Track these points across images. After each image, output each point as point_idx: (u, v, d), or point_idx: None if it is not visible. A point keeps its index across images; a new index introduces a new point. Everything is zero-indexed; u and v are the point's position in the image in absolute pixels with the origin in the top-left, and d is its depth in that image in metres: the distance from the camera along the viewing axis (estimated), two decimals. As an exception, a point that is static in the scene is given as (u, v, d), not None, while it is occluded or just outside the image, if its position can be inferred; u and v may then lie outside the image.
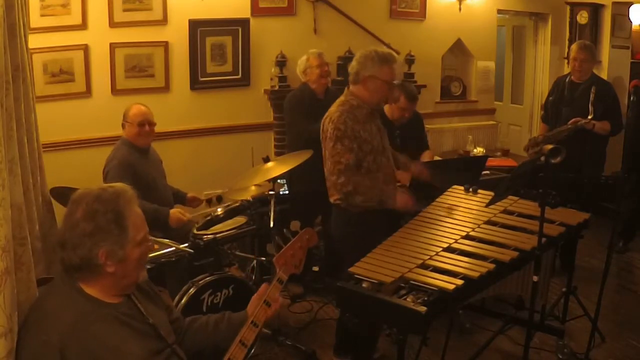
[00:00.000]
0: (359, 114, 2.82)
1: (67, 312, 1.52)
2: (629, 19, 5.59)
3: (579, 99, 4.08)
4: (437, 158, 4.47)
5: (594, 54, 4.21)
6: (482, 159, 4.01)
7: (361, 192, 2.77)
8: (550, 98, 4.43)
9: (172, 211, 3.32)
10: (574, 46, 4.26)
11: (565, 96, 4.23)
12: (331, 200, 2.94)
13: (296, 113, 3.96)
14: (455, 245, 2.41)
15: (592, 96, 3.97)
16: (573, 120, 4.00)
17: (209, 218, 3.41)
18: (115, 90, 4.42)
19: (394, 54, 2.97)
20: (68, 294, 1.57)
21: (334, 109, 2.89)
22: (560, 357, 3.08)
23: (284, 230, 3.88)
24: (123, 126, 3.44)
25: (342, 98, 2.94)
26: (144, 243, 1.66)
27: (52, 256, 2.12)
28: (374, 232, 2.70)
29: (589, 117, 3.94)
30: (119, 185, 1.67)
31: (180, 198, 3.72)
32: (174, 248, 2.97)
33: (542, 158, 2.28)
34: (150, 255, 2.83)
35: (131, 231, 1.60)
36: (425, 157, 4.13)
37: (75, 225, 1.56)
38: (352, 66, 2.91)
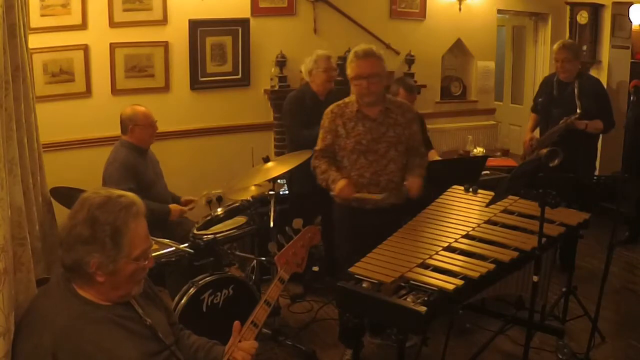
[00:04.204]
0: (347, 111, 3.00)
1: (60, 314, 1.51)
2: (629, 19, 5.59)
3: (569, 98, 3.99)
4: (437, 158, 4.47)
5: (575, 52, 4.06)
6: (482, 159, 4.01)
7: (317, 173, 3.05)
8: (540, 99, 4.35)
9: (171, 205, 3.48)
10: (554, 46, 4.15)
11: (555, 97, 4.15)
12: None
13: (295, 116, 3.96)
14: (456, 245, 2.41)
15: (576, 90, 3.91)
16: (564, 119, 3.95)
17: (209, 218, 3.41)
18: (115, 90, 4.42)
19: (355, 49, 2.98)
20: (62, 296, 1.56)
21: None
22: (560, 357, 3.08)
23: (286, 228, 3.87)
24: (131, 131, 3.41)
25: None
26: (142, 260, 1.60)
27: (52, 256, 2.12)
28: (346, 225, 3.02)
29: (578, 111, 3.88)
30: (129, 196, 1.62)
31: (175, 202, 3.72)
32: (174, 248, 2.97)
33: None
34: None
35: (126, 248, 1.55)
36: (430, 157, 4.14)
37: (74, 227, 1.54)
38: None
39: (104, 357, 1.50)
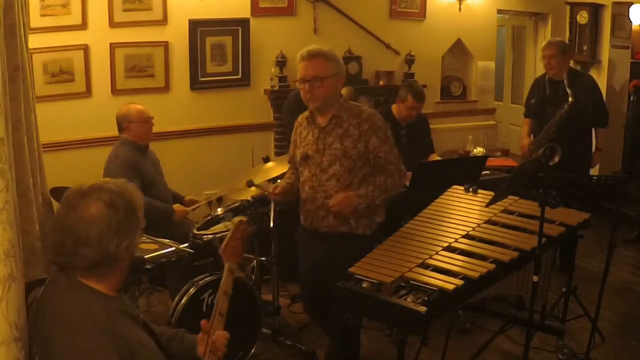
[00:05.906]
0: (305, 119, 2.80)
1: (92, 311, 1.47)
2: (629, 19, 5.59)
3: (562, 95, 3.98)
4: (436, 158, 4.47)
5: (563, 49, 4.02)
6: (482, 159, 4.01)
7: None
8: (533, 100, 4.32)
9: (175, 206, 3.51)
10: (542, 44, 4.18)
11: (548, 96, 4.13)
12: None
13: (294, 115, 3.93)
14: (455, 245, 2.41)
15: (565, 81, 3.91)
16: (557, 112, 3.95)
17: (209, 218, 3.41)
18: (115, 90, 4.43)
19: (302, 50, 2.69)
20: (80, 293, 1.51)
21: None
22: (560, 357, 3.08)
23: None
24: (127, 128, 3.43)
25: None
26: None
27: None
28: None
29: (569, 99, 3.88)
30: (119, 179, 1.69)
31: (178, 201, 3.73)
32: (174, 248, 2.96)
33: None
34: (150, 255, 2.84)
35: (141, 219, 1.63)
36: (431, 159, 4.14)
37: (92, 221, 1.50)
38: None
39: (138, 346, 1.53)
